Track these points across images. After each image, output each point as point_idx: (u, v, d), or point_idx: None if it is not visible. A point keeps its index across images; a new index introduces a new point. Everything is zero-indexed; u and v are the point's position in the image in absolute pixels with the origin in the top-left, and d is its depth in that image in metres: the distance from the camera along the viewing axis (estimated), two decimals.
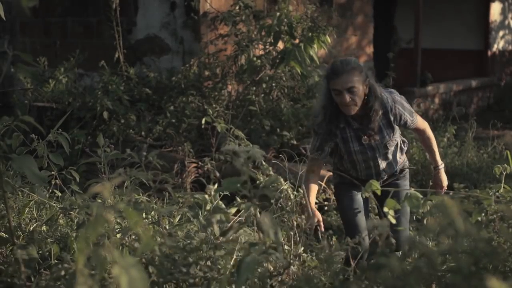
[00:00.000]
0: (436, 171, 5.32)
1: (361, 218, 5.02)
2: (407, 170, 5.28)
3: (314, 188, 4.92)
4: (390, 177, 5.14)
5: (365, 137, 4.84)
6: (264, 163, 6.91)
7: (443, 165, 5.34)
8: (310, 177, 4.94)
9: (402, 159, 5.17)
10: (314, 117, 4.98)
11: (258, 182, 6.56)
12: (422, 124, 5.08)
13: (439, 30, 16.25)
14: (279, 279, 3.29)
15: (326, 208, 7.23)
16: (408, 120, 4.88)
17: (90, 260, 2.19)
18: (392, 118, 4.82)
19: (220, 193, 4.46)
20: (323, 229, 4.68)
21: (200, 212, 4.33)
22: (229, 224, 3.02)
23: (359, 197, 5.07)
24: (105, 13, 10.28)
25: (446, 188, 5.33)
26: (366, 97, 4.71)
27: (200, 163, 7.93)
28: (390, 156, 4.99)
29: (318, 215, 4.71)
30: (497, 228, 3.43)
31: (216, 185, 4.66)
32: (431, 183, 5.30)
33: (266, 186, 2.79)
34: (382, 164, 4.98)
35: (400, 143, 5.11)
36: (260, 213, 2.79)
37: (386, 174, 5.07)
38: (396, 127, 4.90)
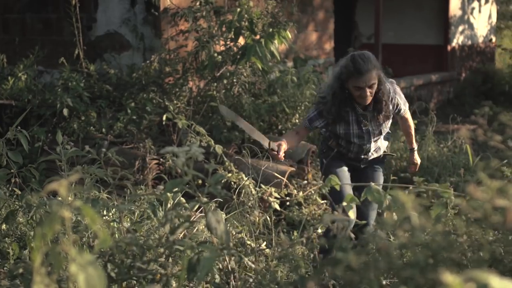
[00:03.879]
0: (411, 152, 5.87)
1: (349, 188, 5.29)
2: (386, 156, 5.79)
3: (291, 136, 5.33)
4: (374, 159, 5.57)
5: (365, 122, 5.23)
6: (225, 158, 6.91)
7: (416, 147, 5.91)
8: (291, 132, 5.45)
9: (387, 145, 5.65)
10: (320, 96, 5.30)
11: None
12: (408, 112, 5.58)
13: (399, 25, 16.37)
14: (234, 275, 3.29)
15: (288, 203, 7.25)
16: (402, 108, 5.38)
17: (48, 258, 2.17)
18: (391, 107, 5.24)
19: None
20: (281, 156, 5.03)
21: (160, 209, 4.33)
22: (181, 222, 3.01)
23: (346, 169, 5.48)
24: (64, 9, 10.19)
25: (419, 164, 5.94)
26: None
27: (161, 159, 7.91)
28: (379, 142, 5.43)
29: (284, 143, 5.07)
30: (455, 222, 3.45)
31: None
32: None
33: (212, 184, 2.80)
34: (372, 147, 5.39)
35: (386, 130, 5.53)
36: (212, 210, 2.79)
37: (372, 156, 5.48)
38: (392, 115, 5.34)
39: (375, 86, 5.01)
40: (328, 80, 5.36)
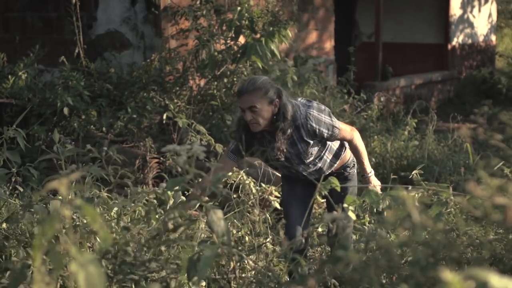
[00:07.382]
0: (364, 180, 5.36)
1: (296, 206, 5.18)
2: (353, 173, 5.39)
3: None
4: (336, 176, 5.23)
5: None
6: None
7: (372, 173, 5.38)
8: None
9: (337, 163, 5.24)
10: (233, 127, 5.09)
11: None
12: (347, 135, 5.07)
13: (399, 24, 16.36)
14: (235, 274, 3.29)
15: None
16: (325, 134, 4.88)
17: (48, 256, 2.17)
18: (304, 134, 4.85)
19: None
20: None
21: (159, 208, 4.33)
22: (182, 220, 3.01)
23: (297, 186, 5.24)
24: (65, 8, 10.19)
25: (380, 186, 5.35)
26: (274, 116, 4.76)
27: (161, 158, 7.91)
28: (316, 163, 5.09)
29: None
30: (455, 220, 3.46)
31: None
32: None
33: (213, 183, 2.80)
34: (305, 170, 5.10)
35: (334, 149, 5.17)
36: (212, 209, 2.79)
37: (313, 176, 5.09)
38: (311, 141, 4.92)
39: (259, 112, 4.68)
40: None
